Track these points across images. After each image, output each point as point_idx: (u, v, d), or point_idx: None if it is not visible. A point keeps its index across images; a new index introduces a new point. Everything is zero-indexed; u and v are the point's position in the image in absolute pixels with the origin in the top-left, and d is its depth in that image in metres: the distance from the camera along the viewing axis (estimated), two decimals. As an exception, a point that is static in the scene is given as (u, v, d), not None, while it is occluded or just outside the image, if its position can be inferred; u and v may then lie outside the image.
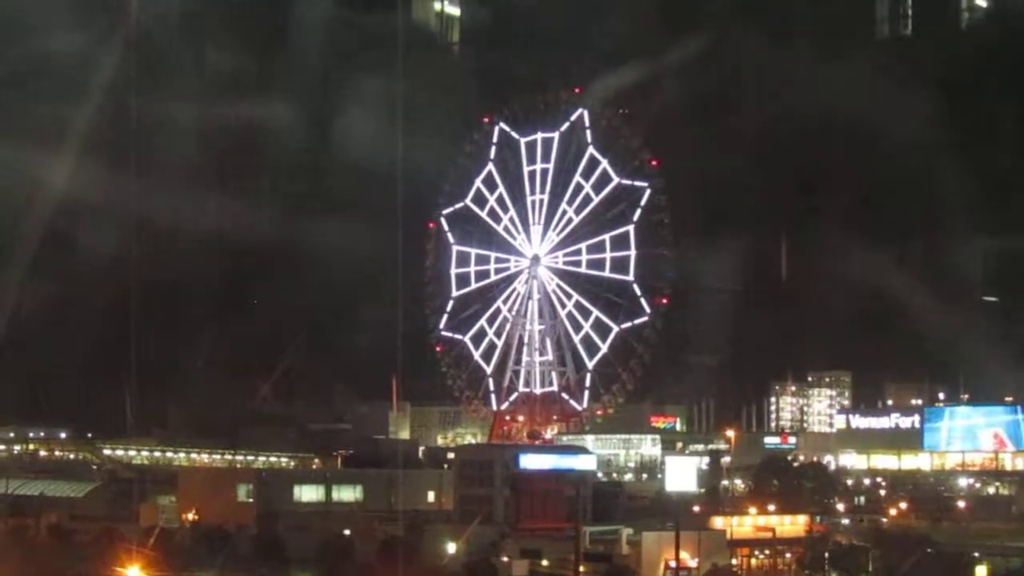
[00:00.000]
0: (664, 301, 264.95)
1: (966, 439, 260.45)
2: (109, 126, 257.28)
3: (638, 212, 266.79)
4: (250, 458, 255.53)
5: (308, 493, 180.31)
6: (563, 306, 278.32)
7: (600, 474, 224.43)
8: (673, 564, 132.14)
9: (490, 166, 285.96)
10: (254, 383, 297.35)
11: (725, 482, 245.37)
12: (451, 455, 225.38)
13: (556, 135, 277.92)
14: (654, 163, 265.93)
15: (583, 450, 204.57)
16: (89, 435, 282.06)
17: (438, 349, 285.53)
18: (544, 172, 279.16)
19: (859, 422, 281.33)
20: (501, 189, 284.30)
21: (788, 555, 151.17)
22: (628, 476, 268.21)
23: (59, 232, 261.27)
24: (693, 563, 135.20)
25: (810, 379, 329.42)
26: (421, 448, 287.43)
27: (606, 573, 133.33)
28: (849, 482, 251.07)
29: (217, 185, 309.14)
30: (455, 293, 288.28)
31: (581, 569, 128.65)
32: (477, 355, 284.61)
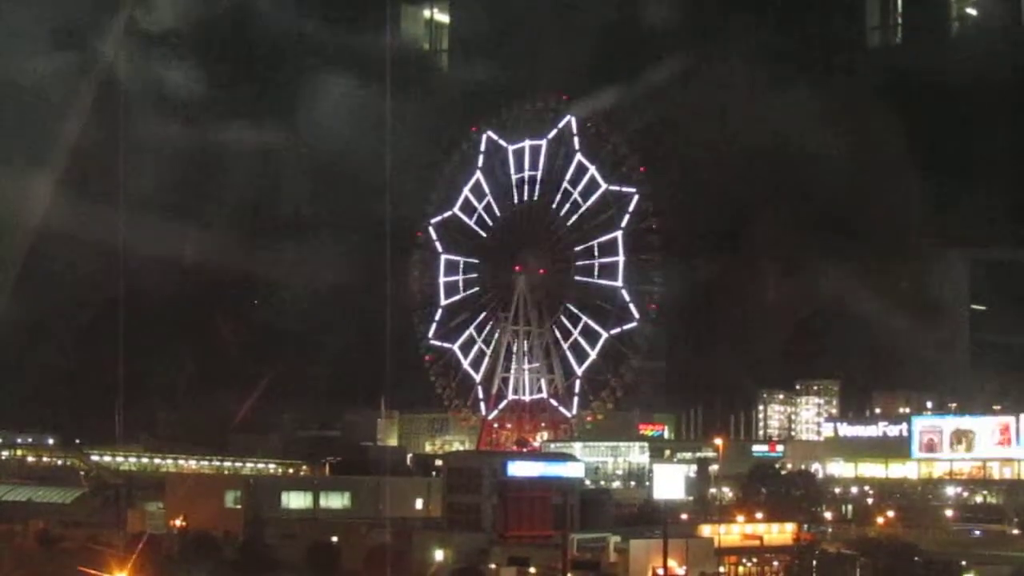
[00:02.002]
0: (653, 307, 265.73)
1: (953, 447, 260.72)
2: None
3: (626, 218, 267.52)
4: (238, 465, 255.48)
5: (296, 500, 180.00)
6: (552, 313, 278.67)
7: (588, 482, 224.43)
8: (661, 572, 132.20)
9: (478, 174, 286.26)
10: (240, 392, 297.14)
11: (713, 490, 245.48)
12: (439, 462, 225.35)
13: (544, 142, 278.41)
14: (642, 169, 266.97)
15: (571, 458, 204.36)
16: (77, 441, 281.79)
17: (427, 359, 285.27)
18: (532, 179, 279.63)
19: (847, 430, 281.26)
20: (489, 197, 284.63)
21: (776, 563, 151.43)
22: (616, 484, 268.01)
23: (40, 243, 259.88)
24: (681, 571, 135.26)
25: (798, 387, 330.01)
26: (409, 455, 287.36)
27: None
28: (837, 490, 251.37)
29: (207, 199, 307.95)
30: (443, 302, 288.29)
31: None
32: (466, 363, 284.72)
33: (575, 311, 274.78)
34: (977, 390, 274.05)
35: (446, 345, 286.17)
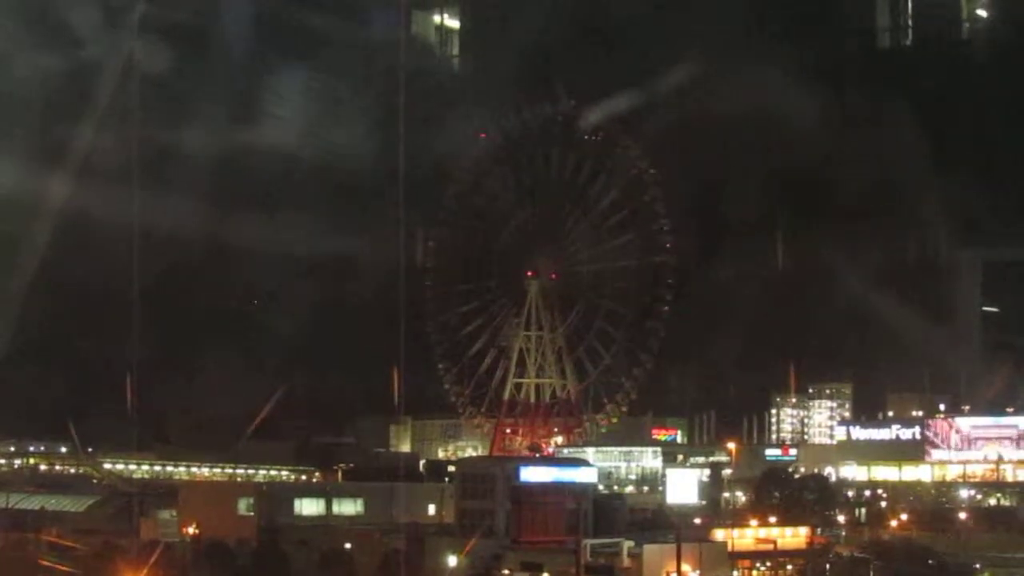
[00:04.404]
0: (665, 309, 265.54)
1: (967, 450, 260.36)
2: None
3: (638, 220, 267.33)
4: (251, 472, 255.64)
5: (309, 507, 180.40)
6: (564, 317, 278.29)
7: (601, 487, 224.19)
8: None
9: (490, 179, 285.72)
10: (253, 398, 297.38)
11: (726, 494, 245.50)
12: (452, 468, 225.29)
13: (555, 146, 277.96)
14: (652, 171, 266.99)
15: (584, 463, 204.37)
16: (89, 449, 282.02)
17: (439, 365, 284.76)
18: (543, 183, 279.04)
19: (859, 433, 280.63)
20: (501, 201, 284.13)
21: (789, 567, 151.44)
22: (629, 489, 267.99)
23: (52, 246, 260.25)
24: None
25: (810, 390, 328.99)
26: (422, 461, 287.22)
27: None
28: (850, 493, 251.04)
29: (227, 199, 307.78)
30: (456, 308, 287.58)
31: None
32: (479, 369, 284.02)
33: (587, 315, 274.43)
34: (990, 392, 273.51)
35: (459, 350, 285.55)
